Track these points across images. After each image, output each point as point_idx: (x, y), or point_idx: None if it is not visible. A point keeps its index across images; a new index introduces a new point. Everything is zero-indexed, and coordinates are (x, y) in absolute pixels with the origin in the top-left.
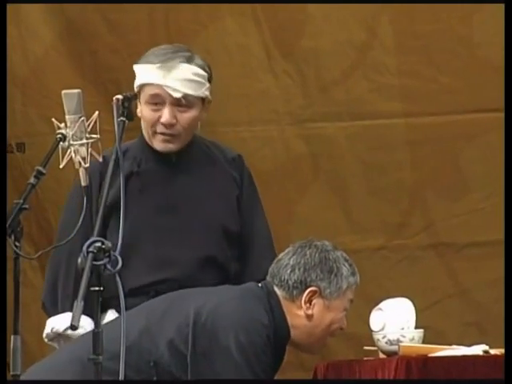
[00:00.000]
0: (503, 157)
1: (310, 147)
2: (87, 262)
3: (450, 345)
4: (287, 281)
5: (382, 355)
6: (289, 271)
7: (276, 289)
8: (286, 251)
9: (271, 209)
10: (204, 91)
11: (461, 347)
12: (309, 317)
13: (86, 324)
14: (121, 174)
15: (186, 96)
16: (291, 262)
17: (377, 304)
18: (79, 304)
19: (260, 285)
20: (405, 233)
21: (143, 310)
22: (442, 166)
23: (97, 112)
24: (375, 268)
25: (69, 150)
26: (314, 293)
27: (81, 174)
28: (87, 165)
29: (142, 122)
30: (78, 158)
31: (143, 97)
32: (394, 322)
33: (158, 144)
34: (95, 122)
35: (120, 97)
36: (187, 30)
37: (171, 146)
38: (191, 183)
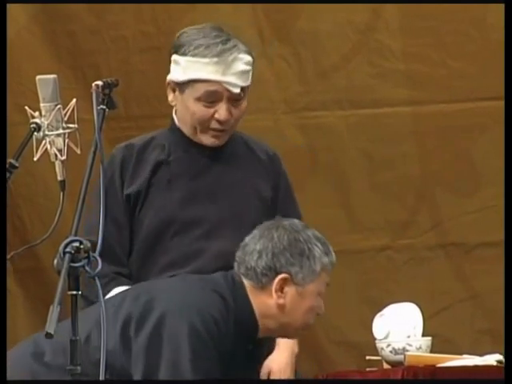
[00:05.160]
0: None
1: (308, 138)
2: (64, 264)
3: (461, 354)
4: (254, 268)
5: (386, 365)
6: (256, 258)
7: (243, 278)
8: (252, 235)
9: None
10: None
11: (473, 357)
12: (280, 306)
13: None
14: (101, 167)
15: (243, 89)
16: (258, 247)
17: (380, 309)
18: (55, 309)
19: (227, 274)
20: (411, 232)
21: (96, 308)
22: (452, 160)
23: (74, 99)
24: (379, 270)
25: (44, 141)
26: (284, 280)
27: (57, 167)
28: (64, 157)
29: (184, 115)
30: (54, 149)
31: (193, 92)
32: (400, 330)
33: (208, 139)
34: (73, 111)
35: (100, 83)
36: (174, 9)
37: (221, 141)
38: (223, 174)
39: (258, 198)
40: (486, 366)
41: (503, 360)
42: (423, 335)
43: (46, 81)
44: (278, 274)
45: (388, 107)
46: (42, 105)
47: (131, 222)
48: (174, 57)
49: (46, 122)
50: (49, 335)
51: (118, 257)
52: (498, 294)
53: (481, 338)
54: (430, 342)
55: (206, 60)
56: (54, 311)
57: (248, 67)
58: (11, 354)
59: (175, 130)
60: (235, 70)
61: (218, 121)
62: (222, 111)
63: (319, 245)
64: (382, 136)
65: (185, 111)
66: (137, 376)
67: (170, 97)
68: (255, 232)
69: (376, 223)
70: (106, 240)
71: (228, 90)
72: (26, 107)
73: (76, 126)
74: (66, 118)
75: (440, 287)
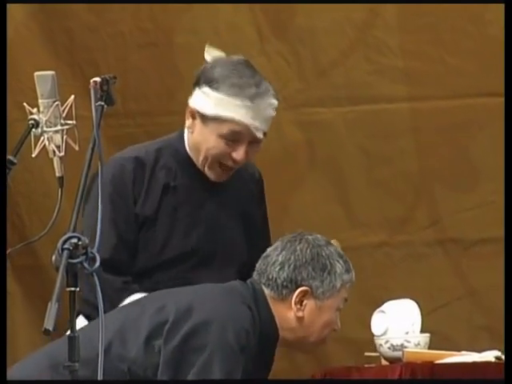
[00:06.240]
0: None
1: (306, 134)
2: (62, 260)
3: (459, 351)
4: (276, 279)
5: (384, 362)
6: (277, 269)
7: (264, 288)
8: (274, 246)
9: None
10: None
11: (471, 353)
12: (299, 319)
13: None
14: (99, 163)
15: (264, 133)
16: (280, 259)
17: (379, 306)
18: (54, 306)
19: (246, 283)
20: (409, 228)
21: (117, 315)
22: (450, 156)
23: (72, 96)
24: (377, 266)
25: (42, 138)
26: (305, 293)
27: (55, 163)
28: (62, 153)
29: (200, 145)
30: (52, 146)
31: (218, 128)
32: (398, 326)
33: (215, 175)
34: (71, 107)
35: (98, 79)
36: (172, 7)
37: (226, 177)
38: (221, 208)
39: (249, 225)
40: (485, 363)
41: (501, 356)
42: (421, 332)
43: (44, 77)
44: (298, 286)
45: (386, 103)
46: (40, 101)
47: (140, 241)
48: (205, 89)
49: (44, 119)
50: (47, 332)
51: (122, 266)
52: (496, 290)
53: (479, 335)
54: (428, 339)
55: (239, 102)
56: (53, 308)
57: (274, 113)
58: (24, 369)
59: (183, 153)
60: (264, 115)
61: (234, 160)
62: (240, 152)
63: (341, 261)
64: (379, 132)
65: (203, 141)
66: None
67: (188, 122)
68: (277, 244)
69: (374, 219)
70: (112, 253)
71: (252, 134)
72: (25, 104)
73: (74, 122)
74: (64, 115)
75: (438, 284)
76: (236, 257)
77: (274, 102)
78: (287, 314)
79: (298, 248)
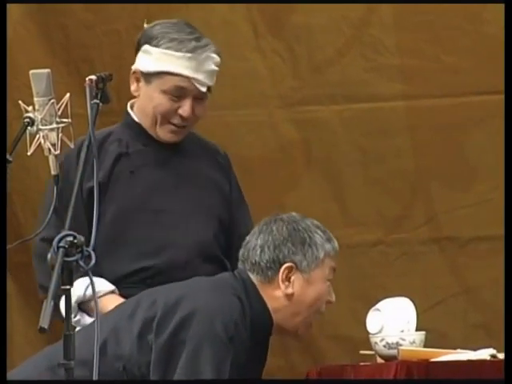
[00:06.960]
0: None
1: (302, 133)
2: (58, 258)
3: (455, 349)
4: (259, 263)
5: (379, 360)
6: (258, 252)
7: (250, 274)
8: (252, 232)
9: (259, 200)
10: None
11: (466, 351)
12: (289, 296)
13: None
14: (94, 163)
15: (209, 88)
16: (259, 242)
17: (374, 304)
18: (49, 304)
19: (235, 274)
20: (405, 226)
21: (113, 314)
22: (446, 154)
23: (68, 94)
24: (372, 264)
25: (37, 136)
26: (290, 269)
27: (50, 161)
28: (57, 151)
29: (146, 106)
30: (48, 144)
31: (161, 84)
32: (393, 324)
33: (166, 134)
34: (66, 105)
35: (93, 77)
36: (168, 5)
37: (179, 137)
38: (185, 167)
39: (217, 190)
40: (480, 361)
41: (497, 354)
42: (417, 330)
43: (39, 75)
44: (282, 264)
45: (382, 102)
46: (35, 99)
47: (90, 214)
48: (146, 47)
49: (40, 117)
50: (42, 330)
51: None
52: (492, 288)
53: (474, 333)
54: (423, 337)
55: (180, 54)
56: (48, 306)
57: (216, 68)
58: (23, 371)
59: (132, 124)
60: (206, 68)
61: (181, 117)
62: (186, 107)
63: (320, 232)
64: (376, 130)
65: (148, 102)
66: (155, 376)
67: (134, 87)
68: (255, 229)
69: (370, 217)
70: (50, 232)
71: (196, 88)
72: (20, 102)
73: (69, 120)
74: (59, 113)
75: (434, 282)
76: (213, 214)
77: (216, 56)
78: (276, 294)
79: (274, 228)
